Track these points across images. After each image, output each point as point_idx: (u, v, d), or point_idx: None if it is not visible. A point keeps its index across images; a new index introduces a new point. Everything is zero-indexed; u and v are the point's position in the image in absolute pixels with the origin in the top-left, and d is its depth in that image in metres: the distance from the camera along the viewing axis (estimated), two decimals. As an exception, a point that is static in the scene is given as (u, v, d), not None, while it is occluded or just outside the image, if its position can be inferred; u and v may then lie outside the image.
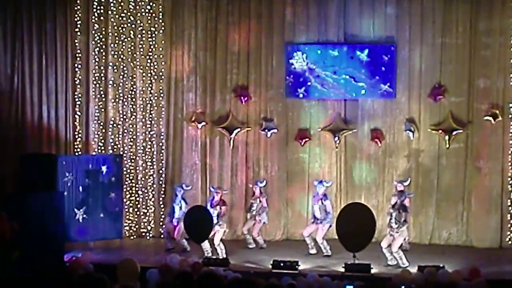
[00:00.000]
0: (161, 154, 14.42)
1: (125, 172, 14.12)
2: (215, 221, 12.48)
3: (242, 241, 13.60)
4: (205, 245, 12.42)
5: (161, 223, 14.07)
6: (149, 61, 14.30)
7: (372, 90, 13.89)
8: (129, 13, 14.28)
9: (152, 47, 14.27)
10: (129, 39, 14.30)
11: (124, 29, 14.29)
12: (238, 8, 14.25)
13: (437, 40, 13.76)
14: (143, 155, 14.41)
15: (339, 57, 13.92)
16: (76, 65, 14.33)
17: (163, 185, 14.35)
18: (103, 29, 14.29)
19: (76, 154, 14.17)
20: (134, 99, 14.40)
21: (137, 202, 14.40)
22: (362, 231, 11.77)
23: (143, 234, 14.33)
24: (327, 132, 14.08)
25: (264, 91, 14.32)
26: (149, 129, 14.41)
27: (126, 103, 14.39)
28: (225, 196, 13.20)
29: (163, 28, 14.29)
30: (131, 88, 14.38)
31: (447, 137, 13.60)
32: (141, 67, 14.35)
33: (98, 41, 14.28)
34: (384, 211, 13.00)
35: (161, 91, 14.38)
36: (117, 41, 14.29)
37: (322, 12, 14.04)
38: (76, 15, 14.24)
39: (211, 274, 6.83)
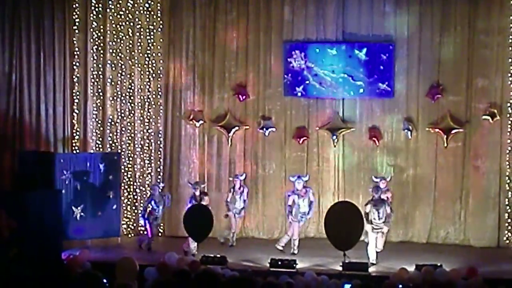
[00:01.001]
0: (159, 152, 14.42)
1: (123, 170, 14.10)
2: None
3: (239, 239, 13.60)
4: (193, 244, 12.45)
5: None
6: (147, 59, 14.29)
7: (370, 89, 13.89)
8: (127, 11, 14.26)
9: (150, 45, 14.27)
10: (127, 37, 14.29)
11: (122, 27, 14.27)
12: (237, 7, 14.25)
13: (435, 39, 13.76)
14: (141, 153, 14.41)
15: (337, 56, 13.92)
16: (74, 63, 14.30)
17: (161, 184, 14.34)
18: (101, 27, 14.28)
19: (74, 152, 14.15)
20: (132, 97, 14.39)
21: (135, 200, 14.40)
22: (351, 230, 11.79)
23: (141, 232, 14.32)
24: (325, 131, 14.08)
25: (262, 89, 14.32)
26: (147, 127, 14.40)
27: (124, 101, 14.38)
28: (204, 189, 13.41)
29: (161, 26, 14.29)
30: (129, 86, 14.37)
31: (445, 136, 13.61)
32: (139, 65, 14.34)
33: (96, 39, 14.27)
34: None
35: (159, 89, 14.38)
36: (115, 39, 14.28)
37: (321, 10, 14.03)
38: (75, 13, 14.21)
39: (208, 272, 6.83)
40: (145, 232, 13.39)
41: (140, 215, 13.65)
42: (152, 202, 13.17)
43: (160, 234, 14.02)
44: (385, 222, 12.05)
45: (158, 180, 14.17)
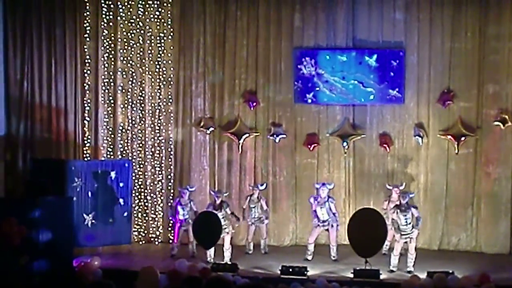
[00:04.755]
0: (169, 160, 14.44)
1: (134, 178, 14.12)
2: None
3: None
4: (210, 250, 12.43)
5: (169, 229, 14.07)
6: (157, 66, 14.33)
7: (380, 96, 13.87)
8: (138, 19, 14.32)
9: (160, 52, 14.30)
10: (138, 44, 14.34)
11: (133, 35, 14.33)
12: (247, 14, 14.27)
13: (446, 45, 13.73)
14: (152, 160, 14.44)
15: (347, 62, 13.91)
16: (85, 70, 14.37)
17: (172, 190, 14.37)
18: (112, 34, 14.34)
19: (85, 159, 14.20)
20: (143, 105, 14.43)
21: (145, 208, 14.42)
22: (374, 237, 11.71)
23: (152, 239, 14.34)
24: (336, 138, 14.07)
25: (272, 96, 14.32)
26: (158, 135, 14.44)
27: (135, 109, 14.42)
28: (227, 199, 13.20)
29: (171, 33, 14.33)
30: (140, 94, 14.41)
31: (456, 143, 13.56)
32: (150, 72, 14.39)
33: (107, 46, 14.33)
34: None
35: (169, 96, 14.41)
36: (126, 47, 14.33)
37: (331, 17, 14.03)
38: (85, 21, 14.28)
39: (219, 279, 6.82)
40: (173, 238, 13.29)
41: (171, 219, 13.47)
42: (179, 207, 13.11)
43: (170, 241, 13.98)
44: (413, 227, 11.92)
45: (168, 184, 14.11)
